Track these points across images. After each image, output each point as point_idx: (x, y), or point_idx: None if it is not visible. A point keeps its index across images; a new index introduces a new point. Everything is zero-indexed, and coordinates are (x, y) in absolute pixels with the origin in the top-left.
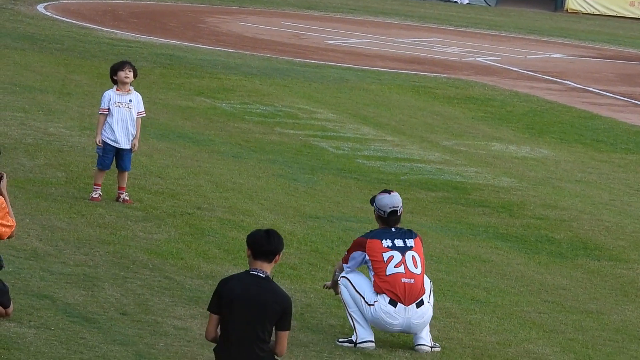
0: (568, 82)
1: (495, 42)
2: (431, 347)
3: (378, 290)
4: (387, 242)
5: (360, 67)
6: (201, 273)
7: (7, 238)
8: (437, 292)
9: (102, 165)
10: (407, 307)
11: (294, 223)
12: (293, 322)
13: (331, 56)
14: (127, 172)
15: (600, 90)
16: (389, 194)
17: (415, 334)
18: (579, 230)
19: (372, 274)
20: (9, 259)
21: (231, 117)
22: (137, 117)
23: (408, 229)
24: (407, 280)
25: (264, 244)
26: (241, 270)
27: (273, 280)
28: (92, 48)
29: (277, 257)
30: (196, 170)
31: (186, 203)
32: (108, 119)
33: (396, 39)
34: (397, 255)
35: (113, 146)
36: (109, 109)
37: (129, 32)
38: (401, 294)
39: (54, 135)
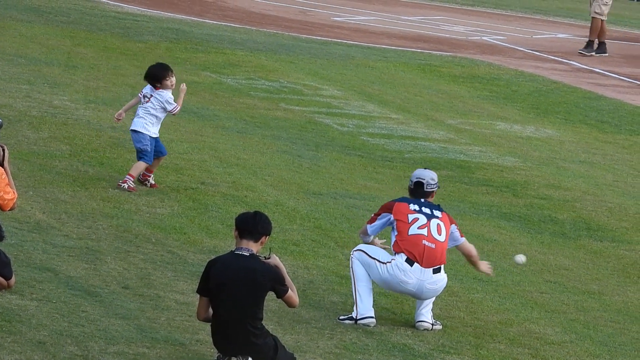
0: (574, 63)
1: (501, 21)
2: (432, 325)
3: (397, 250)
4: (414, 206)
5: (366, 44)
6: (204, 248)
7: (9, 210)
8: None
9: (150, 160)
10: (423, 269)
11: (298, 199)
12: None
13: (337, 33)
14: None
15: (605, 71)
16: (424, 169)
17: (418, 309)
18: (582, 211)
19: (395, 233)
20: (11, 231)
21: (236, 93)
22: None
23: (438, 204)
24: (427, 243)
25: (250, 223)
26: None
27: (262, 257)
28: (99, 21)
29: (263, 238)
30: (200, 145)
31: (190, 178)
32: (162, 115)
33: (403, 17)
34: (422, 219)
35: (155, 139)
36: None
37: (136, 6)
38: (419, 255)
39: (59, 108)
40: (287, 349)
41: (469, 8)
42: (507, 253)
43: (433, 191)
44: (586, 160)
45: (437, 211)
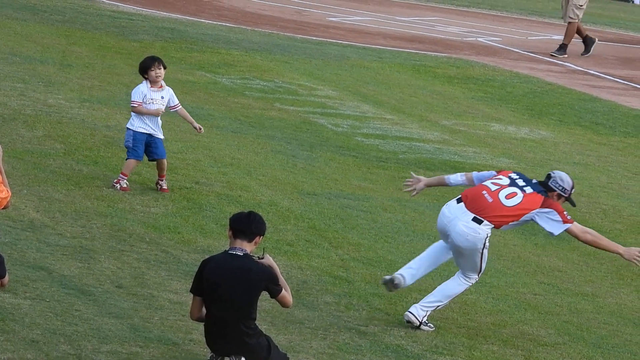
0: (568, 64)
1: (496, 22)
2: (419, 322)
3: None
4: (514, 175)
5: (361, 44)
6: (198, 247)
7: (3, 208)
8: (433, 272)
9: (138, 156)
10: (466, 210)
11: (292, 199)
12: None
13: (333, 33)
14: (165, 160)
15: (600, 73)
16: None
17: (418, 302)
18: (576, 213)
19: None
20: (5, 230)
21: (231, 92)
22: (178, 110)
23: (544, 190)
24: (486, 194)
25: (244, 223)
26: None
27: (255, 257)
28: (94, 20)
29: (257, 238)
30: (195, 144)
31: (184, 177)
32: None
33: (398, 17)
34: (505, 181)
35: (145, 135)
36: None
37: (131, 5)
38: (470, 198)
39: (54, 107)
40: (280, 349)
41: (464, 9)
42: (501, 254)
43: (555, 191)
44: (580, 161)
45: (530, 189)
